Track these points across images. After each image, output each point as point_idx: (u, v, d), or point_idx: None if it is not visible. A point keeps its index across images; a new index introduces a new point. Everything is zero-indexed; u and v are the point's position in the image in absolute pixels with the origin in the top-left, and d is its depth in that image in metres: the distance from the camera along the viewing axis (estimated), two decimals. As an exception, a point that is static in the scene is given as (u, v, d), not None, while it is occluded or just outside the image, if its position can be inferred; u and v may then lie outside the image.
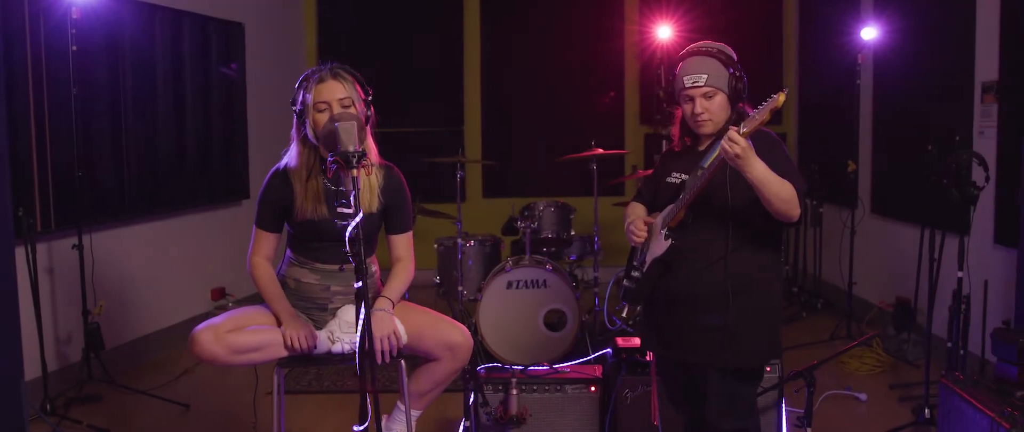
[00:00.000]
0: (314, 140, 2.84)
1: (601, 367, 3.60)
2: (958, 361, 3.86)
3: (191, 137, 5.61)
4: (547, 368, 3.55)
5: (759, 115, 2.38)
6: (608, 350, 3.57)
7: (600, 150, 5.19)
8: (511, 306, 4.82)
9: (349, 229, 2.34)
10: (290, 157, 2.91)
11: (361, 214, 2.36)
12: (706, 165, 2.58)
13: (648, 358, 3.41)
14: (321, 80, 2.81)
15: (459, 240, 5.31)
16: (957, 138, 3.85)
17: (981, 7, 4.53)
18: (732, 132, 2.39)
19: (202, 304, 5.79)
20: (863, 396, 4.33)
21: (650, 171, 5.69)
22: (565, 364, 3.63)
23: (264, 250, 2.96)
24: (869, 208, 5.84)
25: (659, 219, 2.78)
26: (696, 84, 2.62)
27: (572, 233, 5.47)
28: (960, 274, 3.69)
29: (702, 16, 6.89)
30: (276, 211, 2.93)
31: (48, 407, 4.01)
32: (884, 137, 5.78)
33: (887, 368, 4.81)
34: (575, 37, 7.55)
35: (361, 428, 2.41)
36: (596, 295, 5.34)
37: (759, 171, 2.43)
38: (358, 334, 2.35)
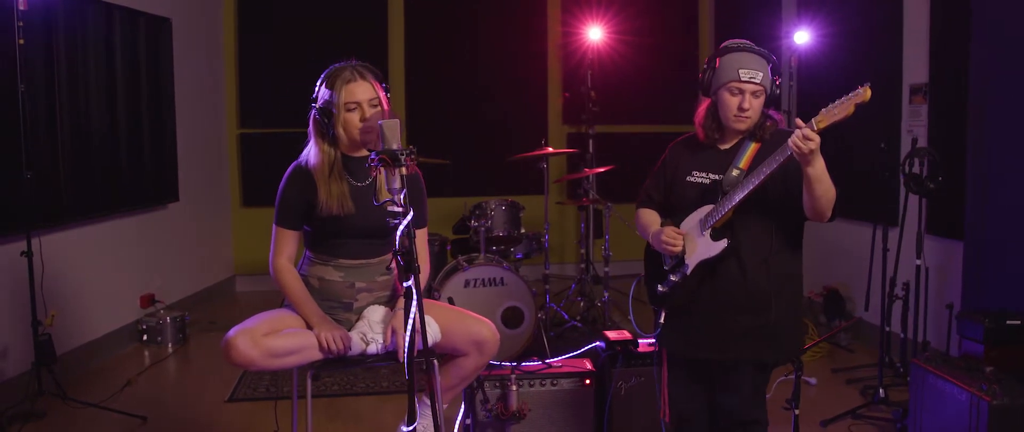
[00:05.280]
0: (343, 138, 2.82)
1: (589, 360, 3.68)
2: (909, 345, 4.15)
3: (123, 137, 5.34)
4: (540, 363, 3.60)
5: (841, 108, 2.28)
6: (600, 343, 3.65)
7: (550, 149, 5.28)
8: (468, 304, 4.79)
9: (400, 228, 2.32)
10: (310, 155, 2.86)
11: (412, 213, 2.34)
12: (741, 164, 2.59)
13: (640, 349, 3.51)
14: (350, 80, 2.79)
15: (412, 240, 5.28)
16: (915, 139, 4.12)
17: (908, 10, 4.85)
18: (806, 129, 2.33)
19: (132, 312, 5.53)
20: (813, 381, 4.58)
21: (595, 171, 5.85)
22: (557, 358, 3.68)
23: (288, 250, 2.88)
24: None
25: (694, 221, 2.70)
26: (752, 79, 2.55)
27: (522, 231, 5.53)
28: (918, 262, 3.96)
29: (624, 20, 7.12)
30: (299, 208, 2.87)
31: (-5, 425, 3.76)
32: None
33: (825, 354, 5.11)
34: (499, 37, 7.60)
35: (409, 429, 2.40)
36: (548, 292, 5.42)
37: (819, 167, 2.39)
38: (407, 334, 2.33)
